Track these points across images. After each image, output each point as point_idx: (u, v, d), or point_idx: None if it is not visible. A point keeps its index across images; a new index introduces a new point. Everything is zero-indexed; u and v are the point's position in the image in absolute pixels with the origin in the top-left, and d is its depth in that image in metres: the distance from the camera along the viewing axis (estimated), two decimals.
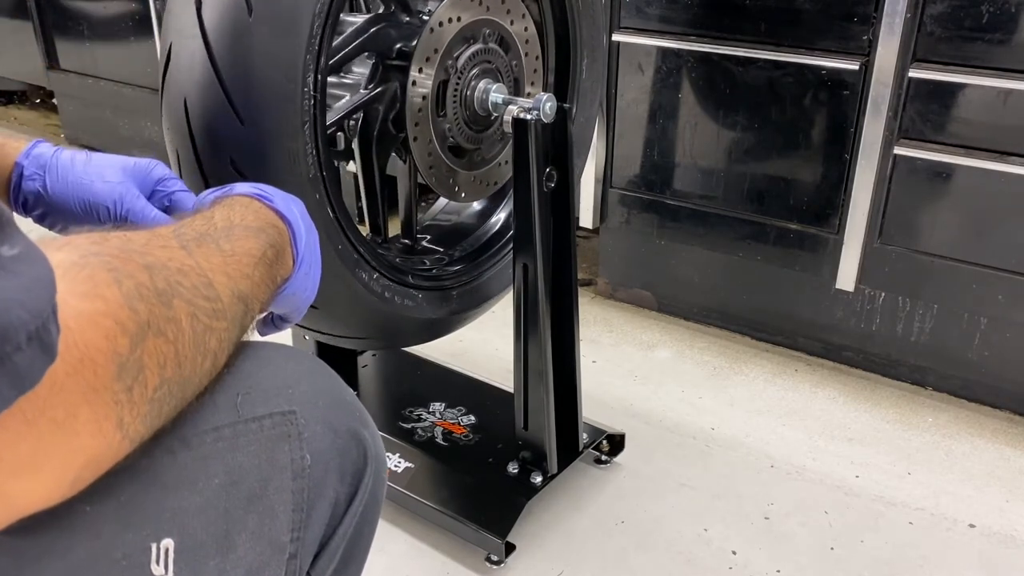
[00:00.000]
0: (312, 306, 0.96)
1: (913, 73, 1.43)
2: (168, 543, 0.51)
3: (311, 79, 0.91)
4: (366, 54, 1.07)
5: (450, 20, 1.09)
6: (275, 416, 0.58)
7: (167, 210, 0.75)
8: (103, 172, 0.72)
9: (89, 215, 0.72)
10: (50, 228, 0.74)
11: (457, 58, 1.12)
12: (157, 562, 0.50)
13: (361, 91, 1.07)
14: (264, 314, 0.69)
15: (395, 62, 1.07)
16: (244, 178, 0.88)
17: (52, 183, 0.72)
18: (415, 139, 1.11)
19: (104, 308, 0.42)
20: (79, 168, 0.72)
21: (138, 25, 2.50)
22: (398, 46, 1.07)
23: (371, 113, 1.08)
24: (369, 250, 1.07)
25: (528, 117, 1.10)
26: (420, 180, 1.19)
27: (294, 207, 0.67)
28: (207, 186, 0.89)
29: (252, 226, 0.61)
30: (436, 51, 1.08)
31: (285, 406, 0.59)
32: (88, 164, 0.72)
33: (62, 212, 0.72)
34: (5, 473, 0.39)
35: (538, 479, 1.28)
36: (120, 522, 0.49)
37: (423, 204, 1.44)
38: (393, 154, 1.15)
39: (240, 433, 0.56)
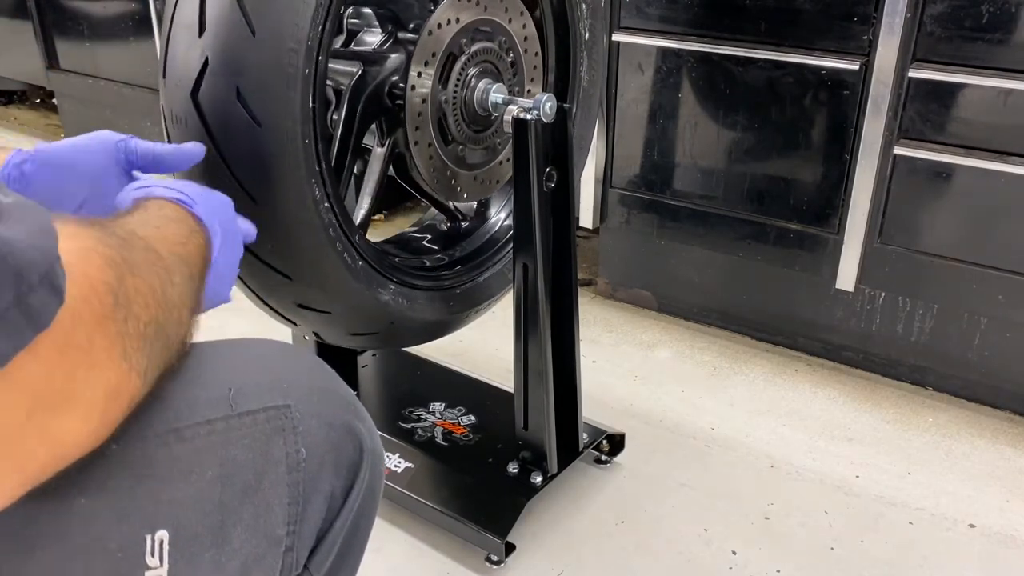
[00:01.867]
0: (318, 310, 0.96)
1: (913, 73, 1.43)
2: (163, 535, 0.51)
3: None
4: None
5: (448, 22, 1.09)
6: (269, 410, 0.58)
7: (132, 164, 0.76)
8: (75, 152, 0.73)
9: (80, 184, 0.72)
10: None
11: (456, 58, 1.12)
12: (152, 553, 0.51)
13: (369, 45, 1.08)
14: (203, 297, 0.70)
15: (407, 35, 1.08)
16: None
17: (33, 171, 0.72)
18: (415, 143, 1.11)
19: (87, 244, 0.45)
20: (60, 149, 0.73)
21: (138, 25, 2.50)
22: (413, 24, 1.08)
23: (370, 73, 1.08)
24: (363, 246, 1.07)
25: (528, 117, 1.10)
26: (390, 172, 1.18)
27: (215, 215, 0.67)
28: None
29: (172, 216, 0.62)
30: (435, 54, 1.08)
31: (280, 400, 0.59)
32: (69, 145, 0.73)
33: (50, 196, 0.71)
34: (46, 408, 0.41)
35: (538, 479, 1.28)
36: (115, 513, 0.50)
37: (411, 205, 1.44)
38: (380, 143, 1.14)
39: (234, 427, 0.56)
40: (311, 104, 0.93)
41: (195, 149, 0.81)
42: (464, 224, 1.36)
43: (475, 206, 1.39)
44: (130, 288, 0.47)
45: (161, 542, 0.51)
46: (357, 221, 1.13)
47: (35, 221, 0.40)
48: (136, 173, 0.77)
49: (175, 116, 0.92)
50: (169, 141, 0.95)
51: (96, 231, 0.47)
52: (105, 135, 0.76)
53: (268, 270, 0.98)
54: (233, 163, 0.90)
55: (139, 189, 0.67)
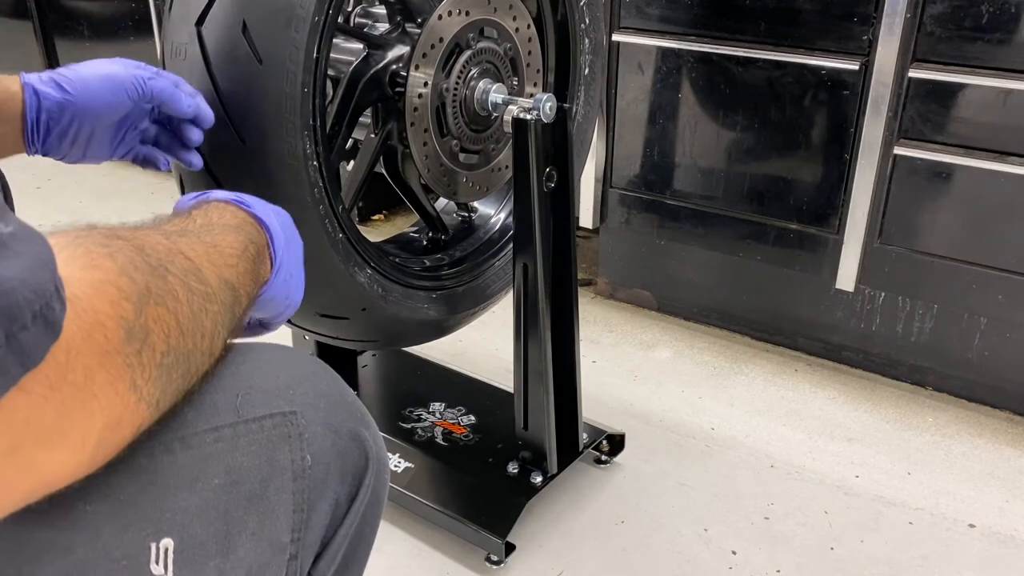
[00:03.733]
0: (329, 314, 0.94)
1: (913, 73, 1.43)
2: (168, 543, 0.51)
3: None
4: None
5: (459, 12, 1.09)
6: (275, 417, 0.58)
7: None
8: (104, 65, 0.79)
9: (117, 95, 0.78)
10: (74, 141, 0.79)
11: (462, 51, 1.12)
12: (156, 562, 0.50)
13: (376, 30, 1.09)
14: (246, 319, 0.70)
15: (415, 28, 1.08)
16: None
17: (70, 83, 0.77)
18: (412, 124, 1.10)
19: (104, 277, 0.44)
20: (85, 65, 0.78)
21: (138, 25, 2.50)
22: (421, 19, 1.08)
23: (374, 56, 1.08)
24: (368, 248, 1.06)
25: (528, 117, 1.10)
26: (379, 169, 1.17)
27: (274, 216, 0.68)
28: None
29: (231, 224, 0.62)
30: (441, 39, 1.08)
31: (286, 407, 0.59)
32: (89, 63, 0.79)
33: (89, 108, 0.77)
34: (34, 443, 0.40)
35: (538, 479, 1.28)
36: (119, 522, 0.49)
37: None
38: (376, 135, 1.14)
39: (240, 434, 0.56)
40: (315, 54, 0.91)
41: (210, 114, 0.86)
42: (444, 237, 1.33)
43: (459, 220, 1.38)
44: (150, 319, 0.46)
45: (166, 550, 0.51)
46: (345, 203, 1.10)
47: (33, 254, 0.39)
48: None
49: (175, 48, 0.90)
50: None
51: (124, 258, 0.46)
52: (123, 73, 0.80)
53: None
54: (227, 99, 0.88)
55: (198, 196, 0.67)
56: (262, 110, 0.89)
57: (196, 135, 0.86)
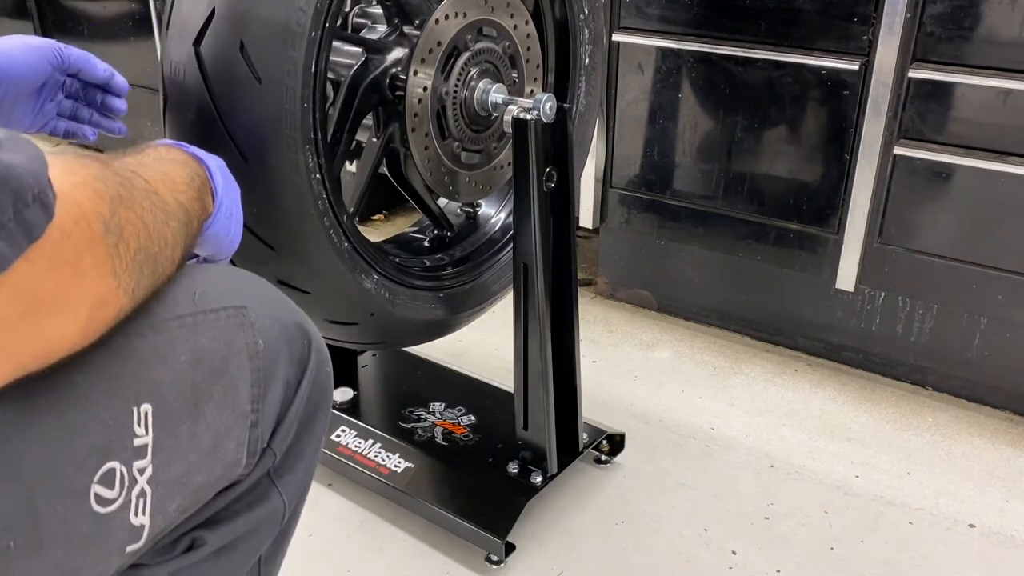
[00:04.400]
0: (298, 288, 0.95)
1: (913, 73, 1.43)
2: (147, 407, 0.59)
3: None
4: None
5: (456, 15, 1.09)
6: (228, 309, 0.66)
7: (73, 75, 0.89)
8: (19, 37, 0.85)
9: (39, 60, 0.85)
10: None
11: (460, 53, 1.11)
12: (138, 423, 0.58)
13: (375, 31, 1.09)
14: (192, 256, 0.76)
15: (413, 30, 1.08)
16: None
17: None
18: (413, 130, 1.10)
19: (82, 180, 0.51)
20: (2, 38, 0.83)
21: (138, 25, 2.50)
22: (419, 20, 1.09)
23: (373, 61, 1.08)
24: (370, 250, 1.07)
25: (528, 117, 1.10)
26: (382, 170, 1.18)
27: (212, 161, 0.75)
28: None
29: (177, 159, 0.70)
30: (440, 43, 1.08)
31: (237, 302, 0.67)
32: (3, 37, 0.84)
33: (12, 73, 0.83)
34: (39, 310, 0.47)
35: (538, 479, 1.28)
36: (105, 389, 0.57)
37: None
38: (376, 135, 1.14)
39: (199, 321, 0.63)
40: (313, 69, 0.92)
41: (125, 86, 0.95)
42: (450, 234, 1.34)
43: (464, 217, 1.38)
44: (122, 219, 0.53)
45: (146, 414, 0.59)
46: (349, 210, 1.11)
47: (26, 151, 0.46)
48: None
49: (174, 67, 0.91)
50: (165, 96, 0.95)
51: (95, 169, 0.53)
52: (40, 42, 0.86)
53: (251, 238, 0.96)
54: (228, 118, 0.88)
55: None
56: (263, 128, 0.90)
57: (121, 104, 0.95)
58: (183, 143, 0.74)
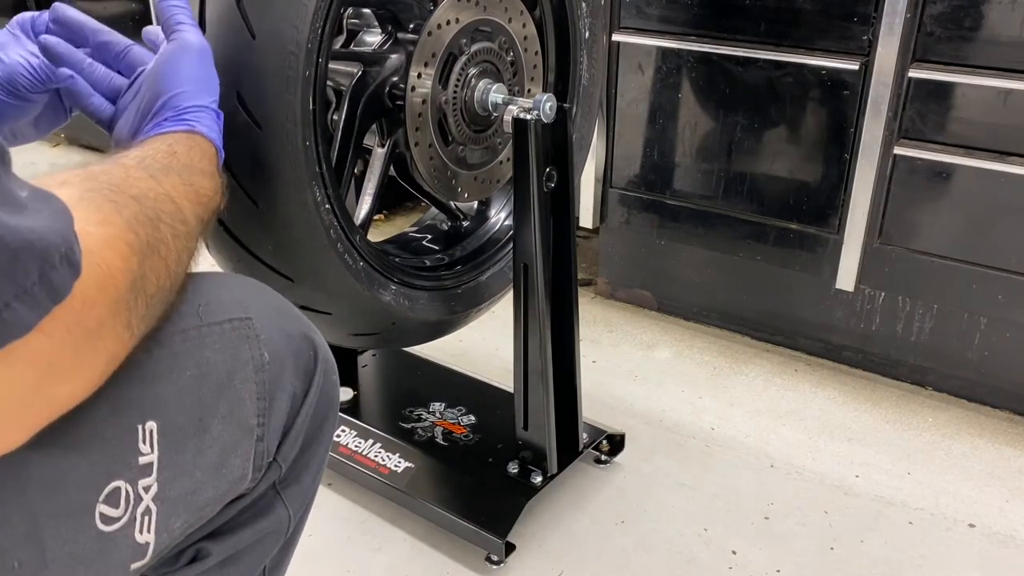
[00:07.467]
0: (319, 311, 0.95)
1: (913, 73, 1.43)
2: (152, 425, 0.58)
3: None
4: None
5: (448, 22, 1.09)
6: (233, 321, 0.65)
7: (121, 72, 0.79)
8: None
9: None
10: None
11: (456, 58, 1.12)
12: (144, 442, 0.58)
13: (369, 45, 1.09)
14: None
15: (407, 35, 1.09)
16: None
17: None
18: (416, 144, 1.11)
19: (115, 233, 0.50)
20: None
21: (138, 25, 2.50)
22: (413, 24, 1.09)
23: (370, 74, 1.08)
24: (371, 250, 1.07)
25: (528, 117, 1.10)
26: (391, 173, 1.18)
27: (218, 139, 0.73)
28: None
29: (207, 171, 0.68)
30: (434, 55, 1.08)
31: (242, 314, 0.66)
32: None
33: None
34: (53, 380, 0.47)
35: (538, 479, 1.28)
36: (110, 408, 0.56)
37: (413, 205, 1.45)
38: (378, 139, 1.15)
39: (204, 335, 0.63)
40: (311, 106, 0.93)
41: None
42: (465, 223, 1.36)
43: (476, 205, 1.39)
44: (148, 269, 0.53)
45: (151, 431, 0.58)
46: (358, 221, 1.13)
47: (52, 209, 0.44)
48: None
49: None
50: None
51: (131, 212, 0.52)
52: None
53: (269, 272, 0.99)
54: (234, 166, 0.90)
55: (178, 118, 0.70)
56: (268, 172, 0.92)
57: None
58: (212, 133, 0.71)
